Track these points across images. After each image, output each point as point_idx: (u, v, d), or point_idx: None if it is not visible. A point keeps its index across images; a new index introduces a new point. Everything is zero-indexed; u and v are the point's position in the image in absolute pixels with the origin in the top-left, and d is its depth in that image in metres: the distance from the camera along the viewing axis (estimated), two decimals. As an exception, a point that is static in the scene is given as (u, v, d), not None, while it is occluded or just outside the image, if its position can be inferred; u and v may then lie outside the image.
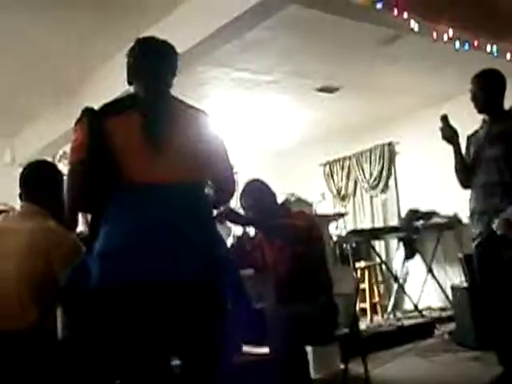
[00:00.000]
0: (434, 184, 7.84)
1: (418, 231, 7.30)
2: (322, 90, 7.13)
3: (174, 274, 2.10)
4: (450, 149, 3.93)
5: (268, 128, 8.71)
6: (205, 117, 2.37)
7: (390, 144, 8.78)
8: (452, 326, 5.88)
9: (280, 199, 3.97)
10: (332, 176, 9.75)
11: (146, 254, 2.07)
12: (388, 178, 8.86)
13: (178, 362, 2.24)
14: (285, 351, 3.27)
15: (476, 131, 3.98)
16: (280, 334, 3.31)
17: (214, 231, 2.31)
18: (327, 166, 9.83)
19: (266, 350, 3.47)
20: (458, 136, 3.86)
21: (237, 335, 3.01)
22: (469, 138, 4.01)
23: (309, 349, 4.13)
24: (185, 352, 2.22)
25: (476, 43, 5.02)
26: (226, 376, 2.25)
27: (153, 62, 2.34)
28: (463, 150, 3.94)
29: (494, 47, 5.10)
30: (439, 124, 3.90)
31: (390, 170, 8.84)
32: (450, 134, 3.86)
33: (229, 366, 2.36)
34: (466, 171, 3.90)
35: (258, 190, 3.81)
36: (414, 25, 4.66)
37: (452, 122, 3.89)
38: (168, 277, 2.08)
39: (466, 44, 5.01)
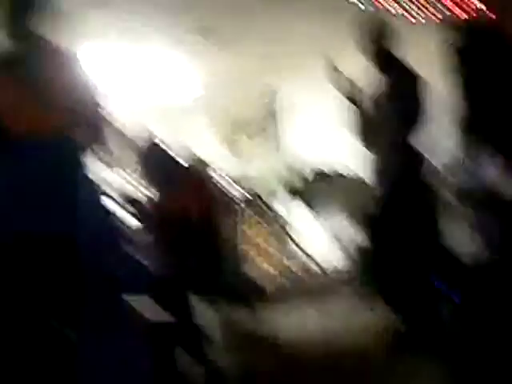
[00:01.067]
0: (337, 143, 7.79)
1: (322, 191, 7.34)
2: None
3: (42, 228, 2.05)
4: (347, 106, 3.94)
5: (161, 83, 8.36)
6: (76, 60, 2.29)
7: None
8: (355, 282, 5.93)
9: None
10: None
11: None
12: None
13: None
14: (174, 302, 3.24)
15: (372, 88, 3.98)
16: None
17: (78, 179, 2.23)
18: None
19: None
20: (356, 90, 3.86)
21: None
22: (363, 94, 4.01)
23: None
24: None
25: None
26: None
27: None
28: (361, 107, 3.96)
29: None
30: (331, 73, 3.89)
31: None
32: (347, 88, 3.88)
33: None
34: (364, 129, 3.95)
35: (160, 152, 3.86)
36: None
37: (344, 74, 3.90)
38: (35, 230, 2.05)
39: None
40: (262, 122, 8.87)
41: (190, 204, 3.59)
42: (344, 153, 6.83)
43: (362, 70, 3.97)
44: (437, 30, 6.05)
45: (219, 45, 7.31)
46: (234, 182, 7.89)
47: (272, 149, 8.87)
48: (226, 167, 8.22)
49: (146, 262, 3.63)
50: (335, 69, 3.87)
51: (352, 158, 6.09)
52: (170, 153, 3.77)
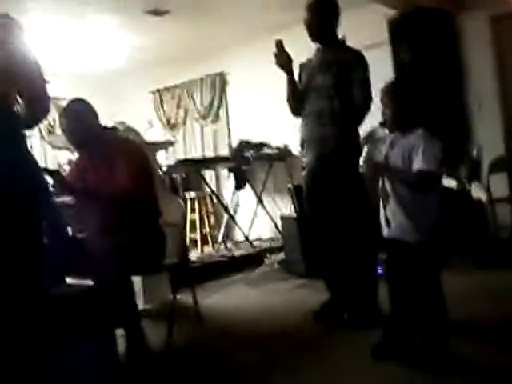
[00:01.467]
0: (265, 115, 7.86)
1: (248, 162, 7.33)
2: (150, 12, 6.74)
3: None
4: (282, 79, 3.87)
5: (93, 51, 8.12)
6: (18, 28, 2.10)
7: (221, 73, 8.66)
8: (282, 255, 6.00)
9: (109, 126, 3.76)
10: (162, 104, 9.49)
11: None
12: (219, 107, 8.78)
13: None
14: (108, 281, 3.15)
15: (309, 60, 3.95)
16: (103, 263, 3.17)
17: (21, 150, 2.11)
18: (157, 94, 9.53)
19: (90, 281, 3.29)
20: (291, 63, 3.80)
21: (57, 267, 2.81)
22: (301, 65, 3.98)
23: (137, 279, 4.03)
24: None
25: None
26: (47, 309, 2.19)
27: None
28: (296, 78, 3.90)
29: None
30: (273, 50, 3.80)
31: (221, 99, 8.75)
32: (284, 59, 3.79)
33: (49, 299, 2.16)
34: (297, 99, 3.88)
35: (80, 111, 3.55)
36: None
37: (288, 49, 3.80)
38: None
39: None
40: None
41: (119, 175, 3.40)
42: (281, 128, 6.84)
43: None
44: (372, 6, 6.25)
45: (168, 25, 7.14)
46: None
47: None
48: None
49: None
50: (280, 46, 3.78)
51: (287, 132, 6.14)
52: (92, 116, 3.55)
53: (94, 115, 3.58)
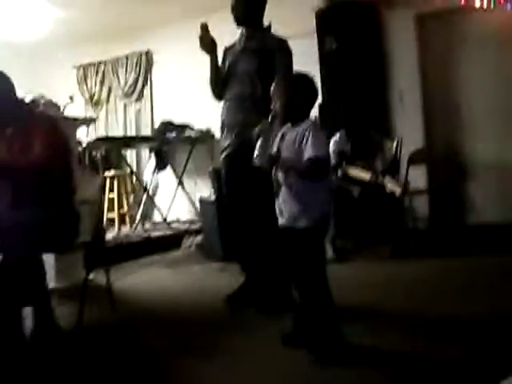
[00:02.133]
0: (189, 97, 7.83)
1: (170, 143, 7.29)
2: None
3: None
4: (206, 62, 3.88)
5: (14, 20, 7.82)
6: None
7: (147, 52, 8.56)
8: (200, 238, 6.01)
9: (28, 99, 3.63)
10: (86, 80, 9.27)
11: None
12: (143, 86, 8.68)
13: None
14: (17, 258, 3.04)
15: (233, 44, 3.97)
16: (12, 239, 3.05)
17: None
18: (81, 70, 9.31)
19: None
20: (215, 46, 3.81)
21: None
22: (226, 50, 4.00)
23: (50, 257, 3.94)
24: None
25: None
26: None
27: None
28: (220, 63, 3.91)
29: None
30: (198, 33, 3.79)
31: (146, 79, 8.65)
32: (208, 42, 3.78)
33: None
34: (219, 83, 3.90)
35: None
36: None
37: (213, 34, 3.80)
38: None
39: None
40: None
41: (31, 149, 3.30)
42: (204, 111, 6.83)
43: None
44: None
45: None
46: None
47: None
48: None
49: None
50: (205, 29, 3.76)
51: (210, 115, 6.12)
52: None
53: (9, 87, 3.46)
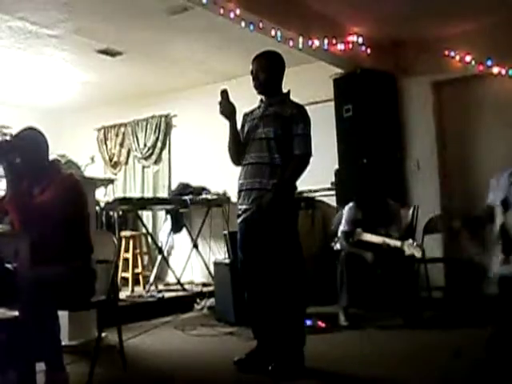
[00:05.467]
0: (206, 160, 7.95)
1: (186, 205, 7.33)
2: (103, 52, 6.82)
3: None
4: (225, 127, 3.93)
5: (44, 85, 8.14)
6: None
7: (167, 116, 8.73)
8: (213, 301, 5.98)
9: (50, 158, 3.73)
10: (106, 142, 9.46)
11: None
12: (162, 149, 8.82)
13: None
14: (33, 314, 3.08)
15: (253, 110, 4.03)
16: (29, 296, 3.10)
17: None
18: (102, 132, 9.52)
19: (15, 312, 3.23)
20: (235, 112, 3.86)
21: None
22: (245, 115, 4.05)
23: (64, 314, 3.95)
24: None
25: (261, 25, 5.13)
26: None
27: None
28: (239, 128, 3.98)
29: (278, 32, 5.24)
30: (218, 99, 3.88)
31: (164, 141, 8.80)
32: (228, 108, 3.85)
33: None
34: (238, 148, 3.93)
35: (34, 138, 3.55)
36: (202, -2, 4.63)
37: (233, 99, 3.88)
38: None
39: (251, 25, 5.09)
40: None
41: (54, 209, 3.37)
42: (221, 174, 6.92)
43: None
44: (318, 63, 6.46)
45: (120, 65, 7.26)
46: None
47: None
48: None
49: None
50: (225, 95, 3.85)
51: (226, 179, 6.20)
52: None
53: (46, 146, 3.58)
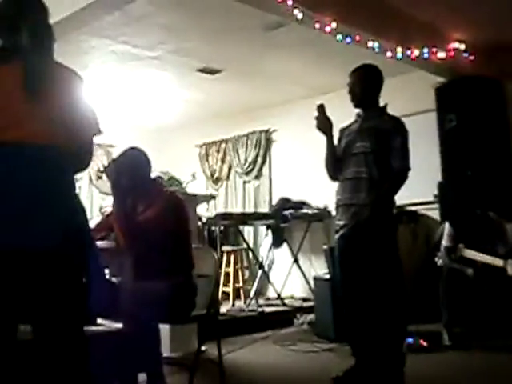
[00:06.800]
0: (307, 174, 7.92)
1: (287, 220, 7.34)
2: (203, 70, 7.00)
3: (26, 241, 1.98)
4: (323, 141, 3.90)
5: (147, 104, 8.46)
6: (80, 81, 2.24)
7: (267, 131, 8.79)
8: (313, 316, 5.93)
9: (153, 175, 3.86)
10: (207, 158, 9.65)
11: None
12: (263, 164, 8.87)
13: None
14: (136, 327, 3.18)
15: (350, 125, 3.98)
16: (132, 309, 3.22)
17: (73, 198, 2.20)
18: (203, 148, 9.72)
19: (119, 324, 3.34)
20: (331, 127, 3.83)
21: (90, 307, 2.86)
22: (342, 130, 4.01)
23: (166, 326, 4.05)
24: (36, 321, 2.12)
25: (358, 38, 5.07)
26: (77, 346, 2.16)
27: (29, 13, 2.22)
28: (336, 143, 3.94)
29: (376, 44, 5.17)
30: (315, 113, 3.85)
31: (265, 156, 8.86)
32: (324, 123, 3.83)
33: (80, 337, 2.21)
34: (335, 163, 3.90)
35: (136, 157, 3.67)
36: (297, 13, 4.65)
37: (329, 114, 3.85)
38: (18, 244, 1.97)
39: (348, 38, 5.05)
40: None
41: (158, 226, 3.49)
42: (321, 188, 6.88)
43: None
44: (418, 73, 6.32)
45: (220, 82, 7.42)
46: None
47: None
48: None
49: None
50: (321, 110, 3.84)
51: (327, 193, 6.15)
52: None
53: (149, 164, 3.70)
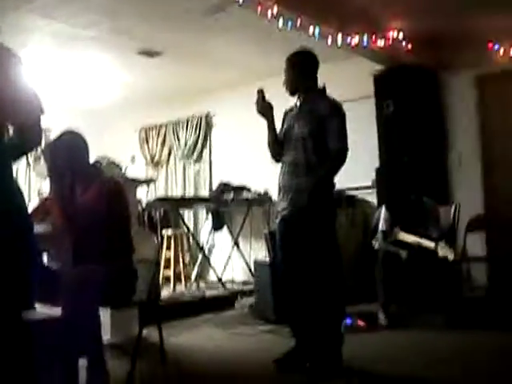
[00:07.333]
0: (247, 159, 7.97)
1: (227, 204, 7.37)
2: (142, 52, 6.89)
3: None
4: (264, 126, 3.93)
5: (83, 86, 8.27)
6: (16, 58, 2.18)
7: (207, 115, 8.78)
8: (253, 299, 5.98)
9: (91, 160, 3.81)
10: (147, 141, 9.57)
11: None
12: (203, 148, 8.87)
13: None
14: (75, 312, 3.13)
15: (291, 108, 4.00)
16: (72, 294, 3.17)
17: (10, 181, 2.15)
18: (143, 131, 9.63)
19: (59, 310, 3.29)
20: (271, 110, 3.85)
21: (29, 293, 2.82)
22: (285, 113, 4.03)
23: (107, 312, 4.03)
24: None
25: (299, 22, 5.10)
26: (15, 331, 2.15)
27: None
28: (279, 125, 3.96)
29: (317, 29, 5.21)
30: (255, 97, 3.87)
31: (205, 140, 8.86)
32: (264, 107, 3.85)
33: (19, 322, 2.19)
34: (277, 146, 3.92)
35: (74, 140, 3.60)
36: (239, -4, 4.64)
37: (269, 99, 3.87)
38: None
39: (290, 22, 5.08)
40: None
41: (96, 210, 3.46)
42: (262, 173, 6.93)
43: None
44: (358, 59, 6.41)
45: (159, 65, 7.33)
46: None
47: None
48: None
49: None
50: (261, 94, 3.85)
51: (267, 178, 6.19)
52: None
53: (86, 148, 3.64)
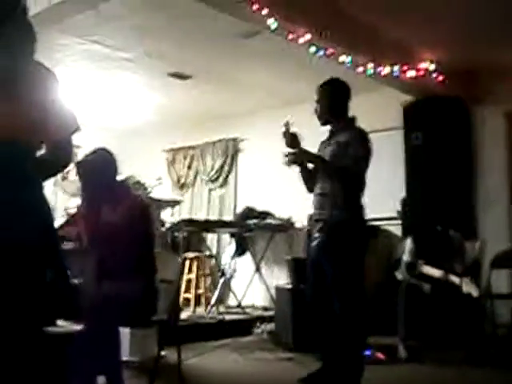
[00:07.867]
0: (272, 185, 7.96)
1: (250, 229, 7.37)
2: (174, 75, 6.98)
3: None
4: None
5: (115, 106, 8.40)
6: (53, 76, 2.23)
7: (235, 140, 8.81)
8: (273, 325, 5.95)
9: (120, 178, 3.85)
10: (174, 163, 9.63)
11: None
12: (229, 173, 8.89)
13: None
14: (97, 329, 3.17)
15: (325, 139, 3.96)
16: (95, 311, 3.22)
17: (40, 197, 2.15)
18: (170, 153, 9.70)
19: (80, 326, 3.34)
20: (298, 141, 3.75)
21: (53, 309, 2.84)
22: (321, 144, 3.97)
23: (126, 331, 4.03)
24: None
25: (331, 51, 5.12)
26: (34, 348, 2.12)
27: None
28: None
29: (348, 58, 5.23)
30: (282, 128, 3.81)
31: (231, 165, 8.87)
32: (290, 139, 3.76)
33: (38, 339, 2.18)
34: (308, 177, 3.90)
35: (106, 158, 3.66)
36: (270, 22, 4.66)
37: (298, 126, 3.81)
38: None
39: (321, 51, 5.10)
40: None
41: (122, 230, 3.48)
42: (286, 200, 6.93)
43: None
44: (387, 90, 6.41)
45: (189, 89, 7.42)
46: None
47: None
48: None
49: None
50: (287, 127, 3.83)
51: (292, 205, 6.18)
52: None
53: (116, 166, 3.68)
